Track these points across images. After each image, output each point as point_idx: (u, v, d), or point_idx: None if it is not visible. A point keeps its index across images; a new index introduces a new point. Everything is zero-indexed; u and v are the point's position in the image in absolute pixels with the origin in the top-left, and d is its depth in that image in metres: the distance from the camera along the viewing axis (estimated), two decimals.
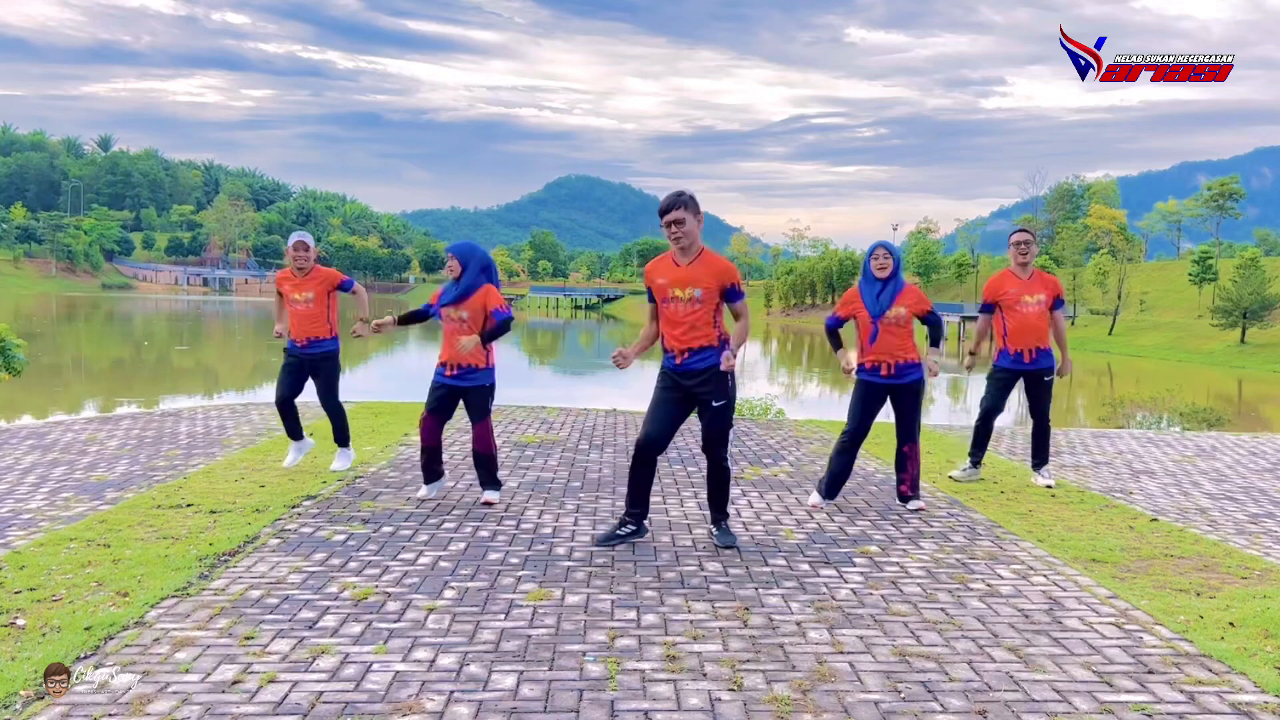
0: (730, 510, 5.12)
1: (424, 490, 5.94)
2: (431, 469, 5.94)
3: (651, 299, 5.00)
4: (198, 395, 20.12)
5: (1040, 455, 6.92)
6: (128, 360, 32.14)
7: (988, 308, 6.88)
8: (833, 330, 6.17)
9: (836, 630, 3.78)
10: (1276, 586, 4.47)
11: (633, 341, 5.16)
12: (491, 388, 5.89)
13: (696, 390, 4.84)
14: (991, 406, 6.89)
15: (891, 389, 5.90)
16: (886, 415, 6.12)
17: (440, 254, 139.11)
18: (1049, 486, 6.74)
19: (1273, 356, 44.54)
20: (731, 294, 4.80)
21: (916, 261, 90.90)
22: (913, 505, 5.93)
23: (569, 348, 49.30)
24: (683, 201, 4.72)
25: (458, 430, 8.61)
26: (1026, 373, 6.75)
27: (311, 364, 6.59)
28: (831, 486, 6.01)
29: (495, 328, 5.73)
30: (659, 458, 5.11)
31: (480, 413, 5.84)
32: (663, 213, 4.74)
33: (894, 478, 6.97)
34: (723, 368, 4.76)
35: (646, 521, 5.15)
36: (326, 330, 6.56)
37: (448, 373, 5.78)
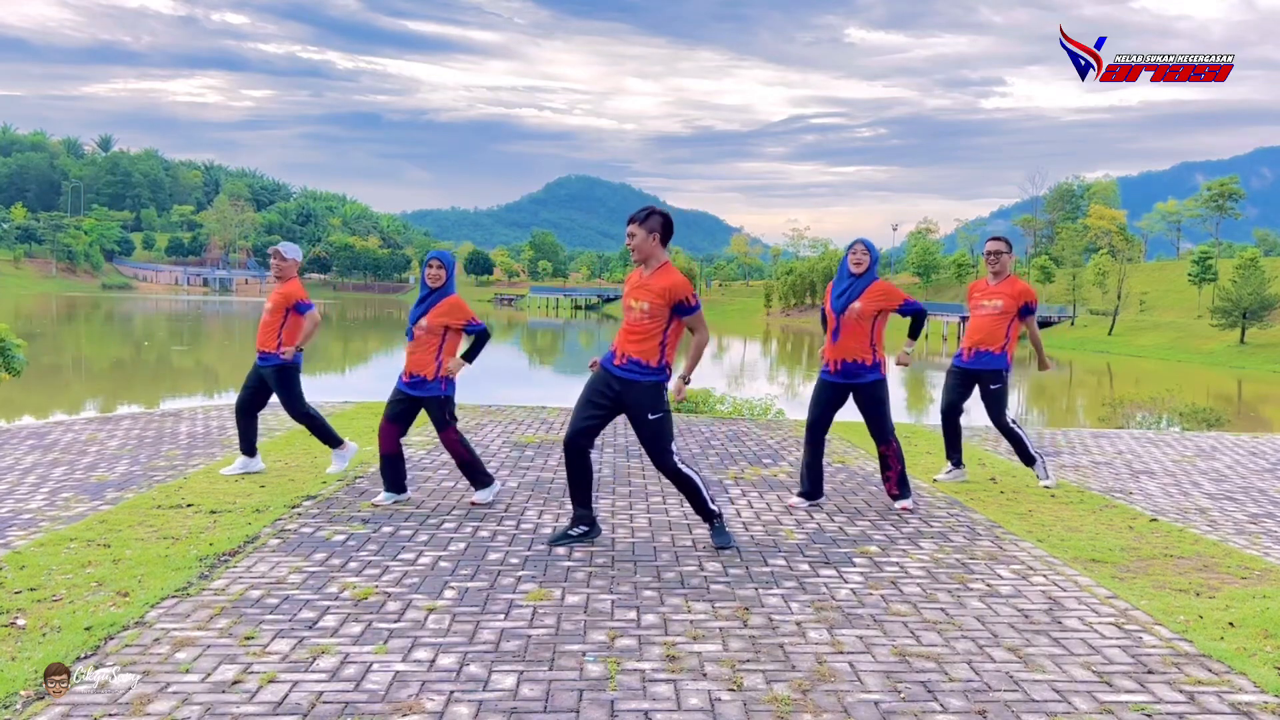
0: (718, 508, 5.09)
1: (380, 496, 5.82)
2: (391, 477, 5.83)
3: None
4: (198, 395, 20.12)
5: (1023, 459, 6.86)
6: (128, 360, 32.15)
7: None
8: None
9: (836, 630, 3.79)
10: (1276, 586, 4.47)
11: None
12: (447, 399, 5.77)
13: (628, 400, 4.87)
14: (946, 405, 6.89)
15: (848, 389, 5.91)
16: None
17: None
18: (1047, 487, 6.73)
19: (1272, 356, 44.56)
20: (681, 309, 4.81)
21: (916, 262, 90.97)
22: (898, 504, 5.92)
23: (569, 348, 49.33)
24: (637, 218, 4.84)
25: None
26: (966, 372, 6.72)
27: (266, 376, 6.52)
28: (806, 480, 6.06)
29: (476, 344, 5.75)
30: (592, 452, 5.17)
31: (439, 424, 5.77)
32: (627, 224, 4.93)
33: None
34: (675, 398, 4.93)
35: (600, 523, 5.23)
36: (274, 344, 6.45)
37: (404, 379, 5.80)
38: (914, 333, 6.04)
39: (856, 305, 5.76)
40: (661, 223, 4.84)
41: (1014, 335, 6.67)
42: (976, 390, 6.80)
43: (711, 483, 6.69)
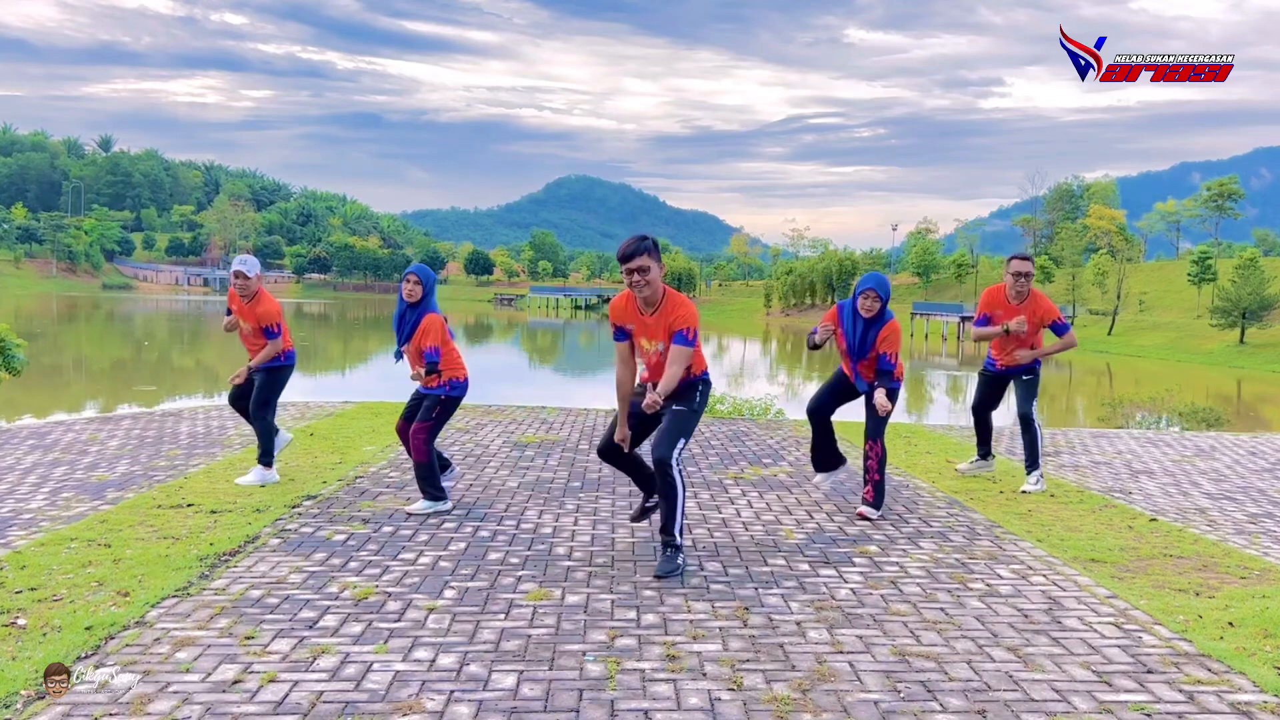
0: (682, 540, 4.61)
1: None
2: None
3: (620, 337, 4.74)
4: (198, 395, 20.12)
5: (1028, 458, 6.71)
6: (128, 360, 32.15)
7: (984, 320, 6.78)
8: (814, 347, 5.86)
9: (836, 630, 3.79)
10: (1275, 586, 4.48)
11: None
12: (448, 400, 5.71)
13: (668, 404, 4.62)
14: (977, 402, 7.09)
15: (859, 392, 5.92)
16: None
17: (441, 254, 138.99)
18: (1025, 492, 6.54)
19: (1272, 356, 44.54)
20: (676, 338, 4.47)
21: (916, 262, 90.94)
22: (861, 508, 5.73)
23: (569, 348, 49.32)
24: (645, 248, 4.42)
25: (457, 431, 8.62)
26: (999, 376, 6.90)
27: (257, 375, 6.41)
28: (815, 459, 6.21)
29: (427, 370, 5.65)
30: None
31: (423, 414, 5.71)
32: (624, 258, 4.41)
33: (892, 478, 6.99)
34: (644, 406, 4.44)
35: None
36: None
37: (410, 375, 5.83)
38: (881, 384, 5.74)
39: (872, 354, 5.66)
40: (659, 249, 4.56)
41: (1039, 342, 6.73)
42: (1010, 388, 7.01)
43: (711, 482, 6.69)
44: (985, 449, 7.17)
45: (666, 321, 4.53)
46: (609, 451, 4.91)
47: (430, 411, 5.71)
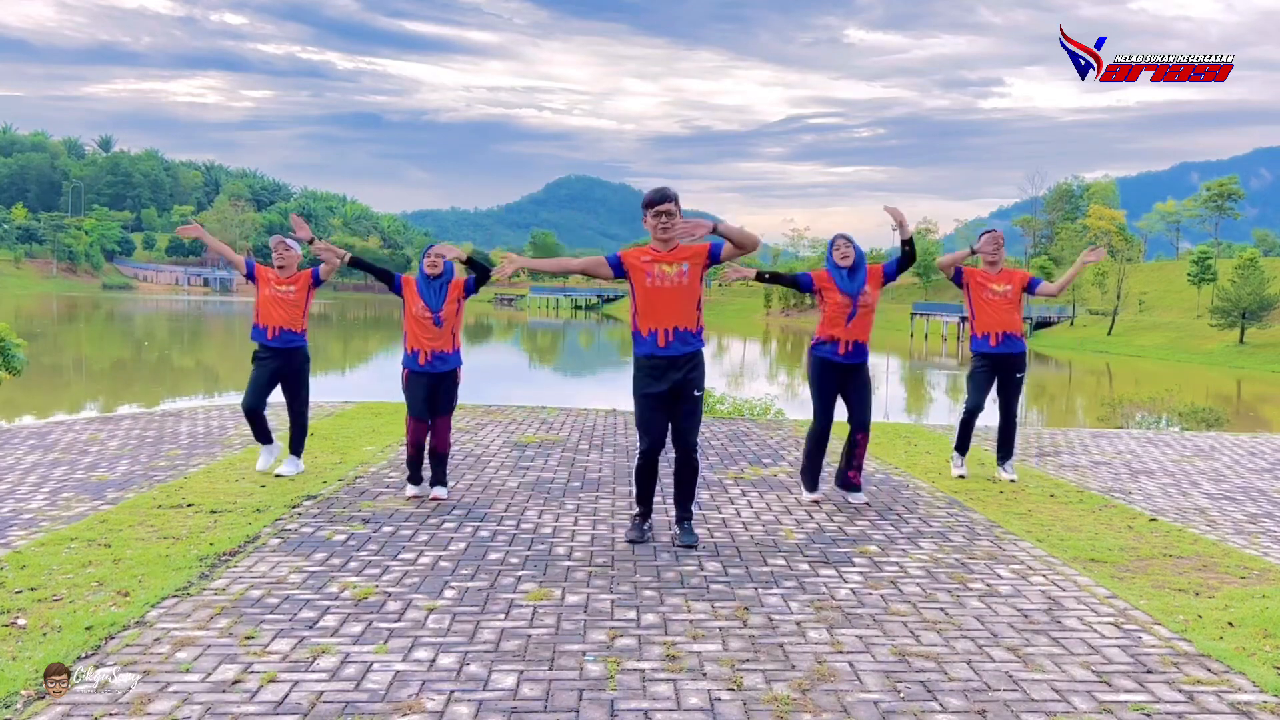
0: (696, 511, 5.19)
1: (410, 489, 5.99)
2: (419, 472, 6.04)
3: (613, 259, 4.98)
4: (198, 395, 20.13)
5: (1004, 450, 7.03)
6: (128, 360, 32.15)
7: (958, 275, 6.90)
8: (803, 282, 6.13)
9: (836, 630, 3.79)
10: (1275, 586, 4.48)
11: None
12: (459, 370, 6.04)
13: (681, 382, 4.88)
14: (973, 405, 6.94)
15: (845, 369, 5.94)
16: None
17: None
18: (1012, 480, 6.88)
19: (1271, 356, 44.56)
20: (714, 249, 4.90)
21: (916, 262, 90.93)
22: (854, 498, 6.07)
23: (569, 348, 49.34)
24: (673, 196, 4.82)
25: (457, 431, 8.61)
26: (998, 359, 6.80)
27: (292, 361, 6.50)
28: (814, 477, 6.19)
29: (479, 277, 5.95)
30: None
31: (451, 401, 5.97)
32: (654, 202, 4.77)
33: (892, 478, 7.00)
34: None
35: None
36: (302, 324, 6.58)
37: (422, 362, 5.86)
38: (906, 263, 6.04)
39: (868, 290, 5.90)
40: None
41: (1018, 318, 6.89)
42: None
43: (711, 482, 6.69)
44: (963, 452, 7.17)
45: (690, 251, 4.86)
46: (649, 455, 5.02)
47: (452, 394, 5.95)
